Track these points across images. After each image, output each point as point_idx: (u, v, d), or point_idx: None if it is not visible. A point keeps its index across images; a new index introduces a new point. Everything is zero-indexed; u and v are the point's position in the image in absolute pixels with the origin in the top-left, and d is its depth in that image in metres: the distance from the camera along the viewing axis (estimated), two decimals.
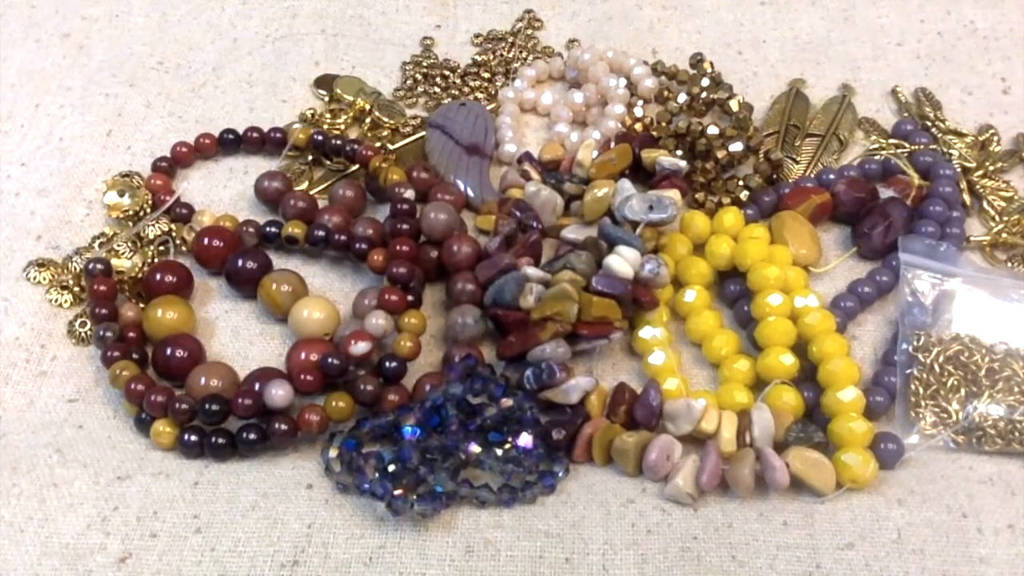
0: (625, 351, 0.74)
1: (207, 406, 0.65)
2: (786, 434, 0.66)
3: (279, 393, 0.65)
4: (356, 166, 0.83)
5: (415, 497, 0.61)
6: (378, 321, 0.69)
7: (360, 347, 0.67)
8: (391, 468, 0.62)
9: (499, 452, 0.64)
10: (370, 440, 0.66)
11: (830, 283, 0.77)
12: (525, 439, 0.65)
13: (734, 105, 0.85)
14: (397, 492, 0.61)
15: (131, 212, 0.79)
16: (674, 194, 0.73)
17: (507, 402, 0.66)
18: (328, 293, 0.77)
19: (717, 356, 0.72)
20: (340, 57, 0.94)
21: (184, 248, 0.78)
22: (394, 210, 0.76)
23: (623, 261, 0.69)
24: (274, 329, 0.75)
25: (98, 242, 0.77)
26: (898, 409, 0.69)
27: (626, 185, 0.75)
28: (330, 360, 0.67)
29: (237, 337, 0.74)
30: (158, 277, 0.74)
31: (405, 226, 0.74)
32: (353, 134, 0.88)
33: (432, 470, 0.63)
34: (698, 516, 0.62)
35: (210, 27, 0.95)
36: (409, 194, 0.77)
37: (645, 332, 0.72)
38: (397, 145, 0.86)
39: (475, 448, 0.64)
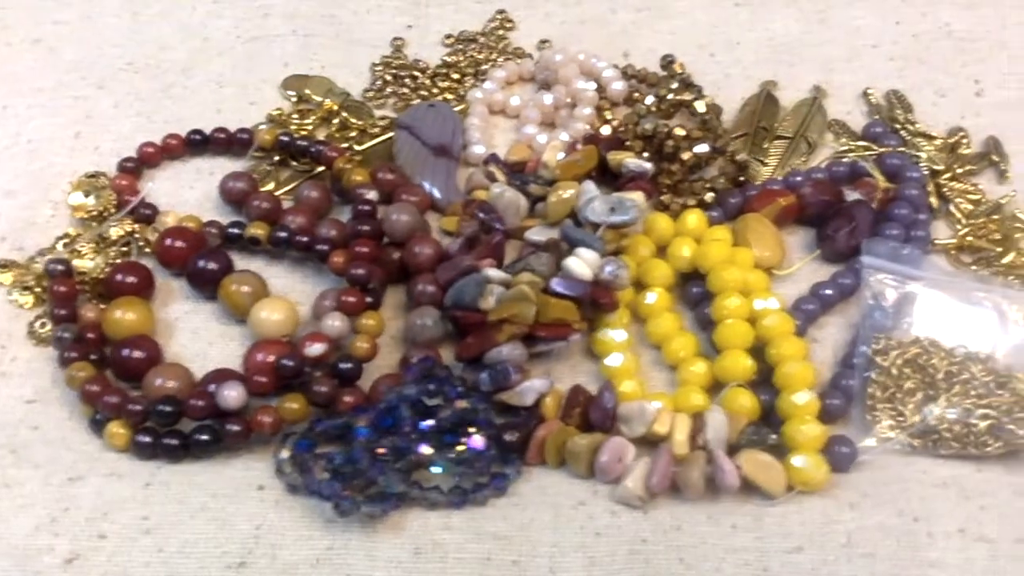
0: (585, 353, 0.73)
1: (159, 407, 0.65)
2: (740, 437, 0.65)
3: (231, 394, 0.65)
4: (322, 167, 0.83)
5: (362, 498, 0.61)
6: (334, 323, 0.69)
7: (315, 348, 0.67)
8: (341, 469, 0.62)
9: (452, 454, 0.64)
10: (324, 441, 0.66)
11: (793, 286, 0.76)
12: (477, 440, 0.64)
13: (700, 106, 0.84)
14: (345, 493, 0.61)
15: (96, 213, 0.79)
16: (637, 196, 0.73)
17: (462, 404, 0.66)
18: (291, 294, 0.76)
19: (676, 358, 0.71)
20: (310, 57, 0.93)
21: (148, 249, 0.78)
22: (355, 211, 0.76)
23: (582, 263, 0.69)
24: (234, 330, 0.74)
25: (61, 243, 0.78)
26: (854, 412, 0.68)
27: (590, 187, 0.75)
28: (285, 361, 0.67)
29: (197, 338, 0.74)
30: (119, 278, 0.74)
31: (366, 227, 0.74)
32: (321, 135, 0.87)
33: (383, 471, 0.62)
34: (648, 518, 0.62)
35: (181, 27, 0.95)
36: (371, 195, 0.76)
37: (604, 334, 0.72)
38: (365, 146, 0.86)
39: (427, 449, 0.64)
